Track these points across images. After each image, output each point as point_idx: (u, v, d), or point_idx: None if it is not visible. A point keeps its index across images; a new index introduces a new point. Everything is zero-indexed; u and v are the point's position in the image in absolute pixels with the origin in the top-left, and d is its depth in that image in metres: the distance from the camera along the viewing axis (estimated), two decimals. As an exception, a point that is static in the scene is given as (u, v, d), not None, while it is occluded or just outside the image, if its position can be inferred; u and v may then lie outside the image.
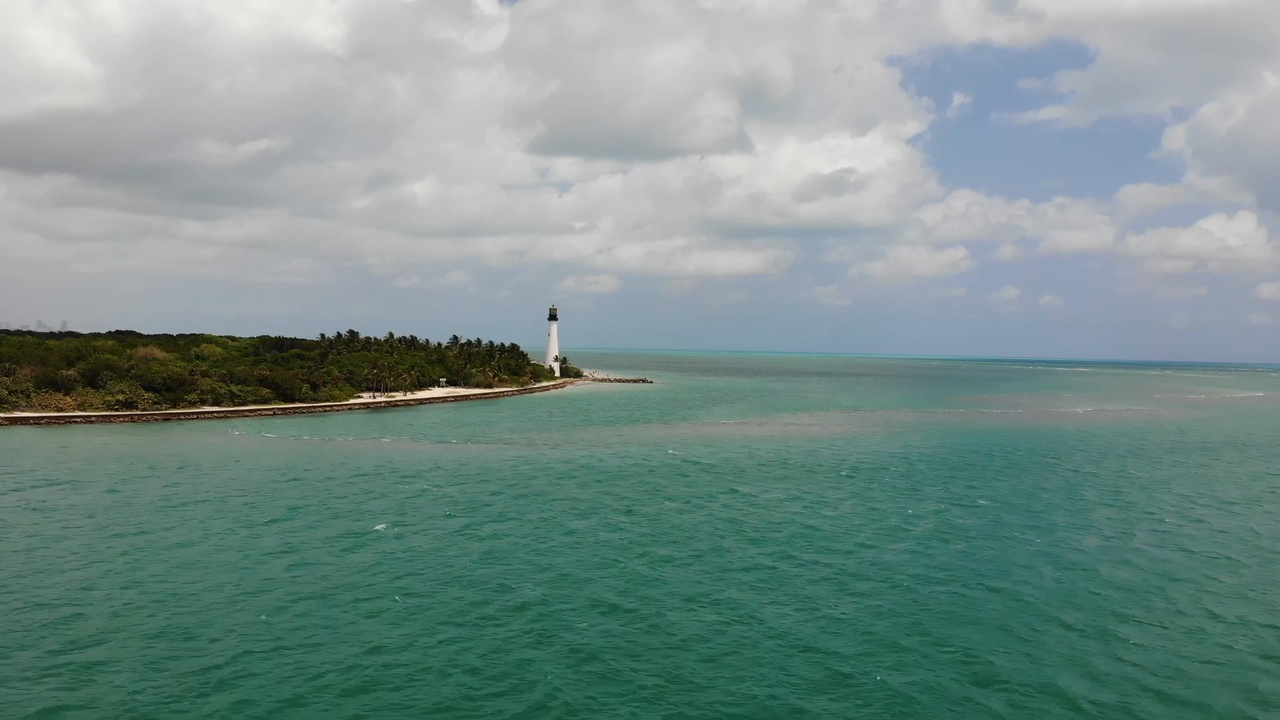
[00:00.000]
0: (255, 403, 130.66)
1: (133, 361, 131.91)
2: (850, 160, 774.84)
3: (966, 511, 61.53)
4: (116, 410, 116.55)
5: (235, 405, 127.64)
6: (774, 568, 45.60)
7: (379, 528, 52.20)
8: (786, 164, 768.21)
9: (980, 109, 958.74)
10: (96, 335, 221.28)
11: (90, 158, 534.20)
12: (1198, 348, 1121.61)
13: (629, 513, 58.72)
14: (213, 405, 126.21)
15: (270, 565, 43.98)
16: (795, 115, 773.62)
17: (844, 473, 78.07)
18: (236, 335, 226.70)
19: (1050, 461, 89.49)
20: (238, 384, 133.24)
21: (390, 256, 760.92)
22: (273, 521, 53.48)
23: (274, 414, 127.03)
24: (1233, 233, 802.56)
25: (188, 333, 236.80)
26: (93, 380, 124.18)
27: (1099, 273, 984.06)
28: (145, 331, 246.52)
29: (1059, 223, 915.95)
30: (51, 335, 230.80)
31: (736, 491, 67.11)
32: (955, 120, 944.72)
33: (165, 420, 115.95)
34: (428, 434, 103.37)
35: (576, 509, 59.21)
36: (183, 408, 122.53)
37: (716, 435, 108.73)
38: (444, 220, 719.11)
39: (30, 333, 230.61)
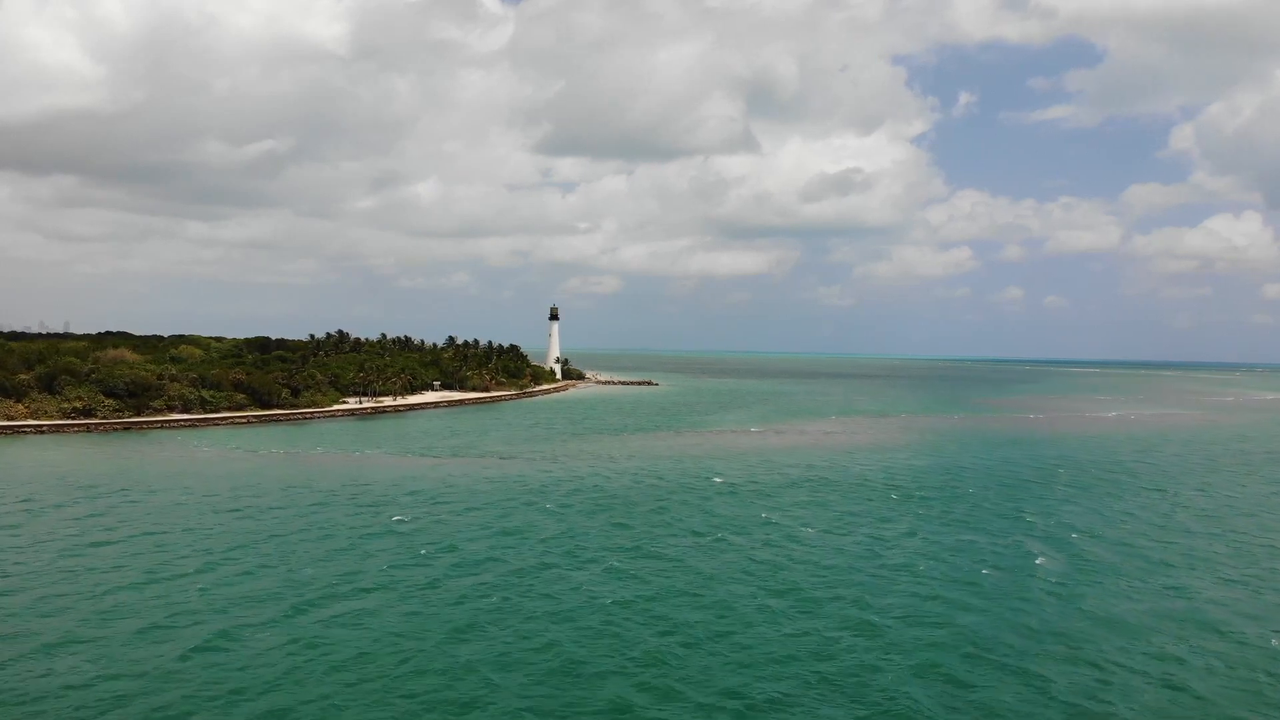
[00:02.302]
0: (229, 409, 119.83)
1: (93, 364, 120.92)
2: (855, 160, 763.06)
3: (1057, 550, 50.37)
4: (73, 419, 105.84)
5: (206, 412, 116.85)
6: (840, 648, 34.62)
7: (316, 587, 40.73)
8: (791, 164, 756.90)
9: (986, 108, 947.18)
10: (88, 336, 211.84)
11: (93, 158, 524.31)
12: (1200, 348, 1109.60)
13: (643, 555, 47.71)
14: (181, 412, 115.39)
15: (145, 643, 32.96)
16: (801, 115, 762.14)
17: (891, 495, 67.13)
18: (238, 336, 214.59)
19: (1126, 478, 78.25)
20: (210, 389, 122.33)
21: (393, 257, 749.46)
22: (180, 576, 42.03)
23: (248, 422, 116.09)
24: (1239, 232, 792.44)
25: (186, 334, 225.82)
26: (50, 385, 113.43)
27: (1103, 273, 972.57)
28: (140, 333, 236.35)
29: (1065, 223, 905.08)
30: (49, 336, 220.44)
31: (772, 523, 56.04)
32: (961, 119, 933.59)
33: (125, 430, 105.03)
34: (413, 446, 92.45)
35: (576, 551, 48.04)
36: (147, 415, 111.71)
37: (734, 446, 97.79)
38: (447, 220, 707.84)
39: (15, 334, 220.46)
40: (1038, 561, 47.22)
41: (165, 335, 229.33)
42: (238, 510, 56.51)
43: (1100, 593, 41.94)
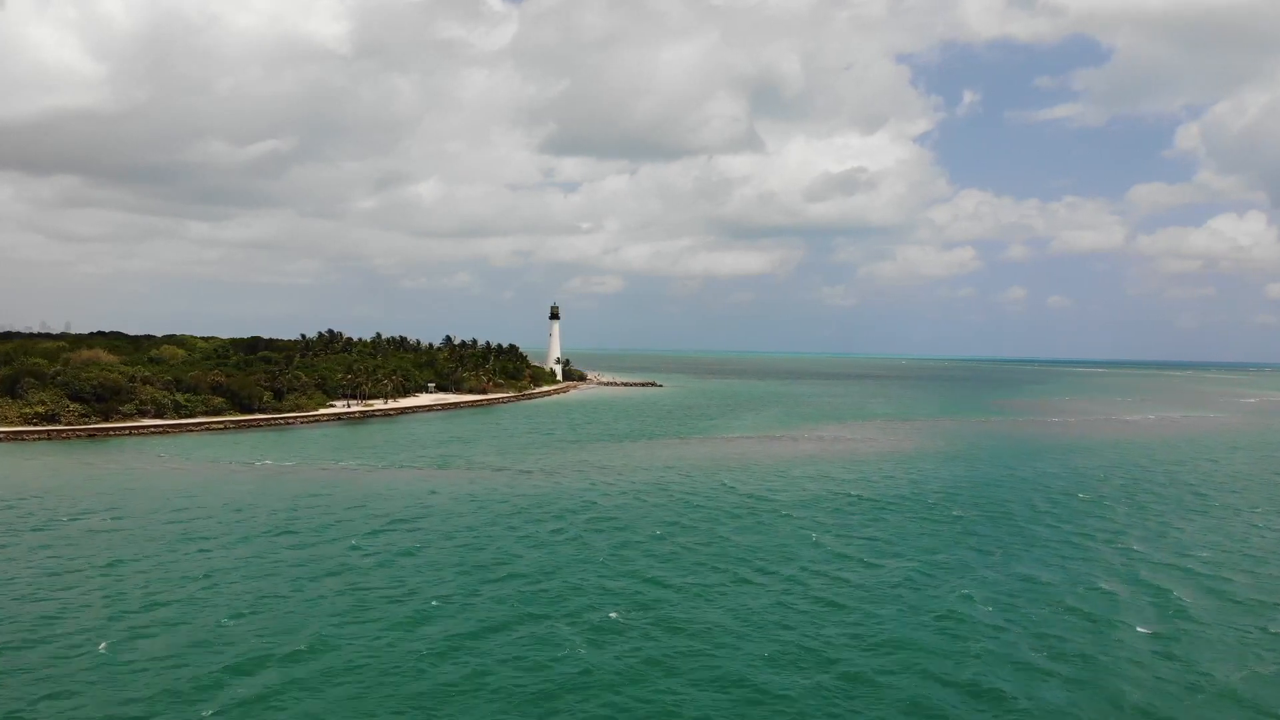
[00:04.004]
0: (205, 414, 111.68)
1: (62, 366, 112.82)
2: (859, 159, 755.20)
3: (1167, 588, 42.02)
4: (34, 424, 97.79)
5: (180, 417, 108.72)
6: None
7: (244, 652, 32.28)
8: (796, 163, 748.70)
9: (990, 107, 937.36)
10: (79, 335, 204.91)
11: (96, 158, 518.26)
12: (1204, 348, 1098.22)
13: (655, 602, 39.52)
14: (154, 417, 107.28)
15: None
16: (805, 114, 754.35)
17: (936, 515, 58.90)
18: (238, 337, 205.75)
19: (1205, 494, 69.59)
20: (186, 392, 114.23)
21: (395, 257, 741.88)
22: (81, 633, 34.03)
23: (224, 428, 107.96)
24: (1243, 232, 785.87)
25: (181, 334, 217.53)
26: (12, 388, 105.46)
27: (1107, 273, 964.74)
28: (137, 333, 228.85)
29: (1069, 222, 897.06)
30: (37, 336, 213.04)
31: (808, 554, 47.74)
32: (965, 118, 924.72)
33: (90, 437, 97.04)
34: (397, 455, 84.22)
35: (572, 596, 39.55)
36: (116, 421, 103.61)
37: (751, 455, 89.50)
38: (450, 221, 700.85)
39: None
40: (1145, 608, 38.97)
41: (158, 335, 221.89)
42: (179, 539, 48.26)
43: (1241, 652, 33.75)
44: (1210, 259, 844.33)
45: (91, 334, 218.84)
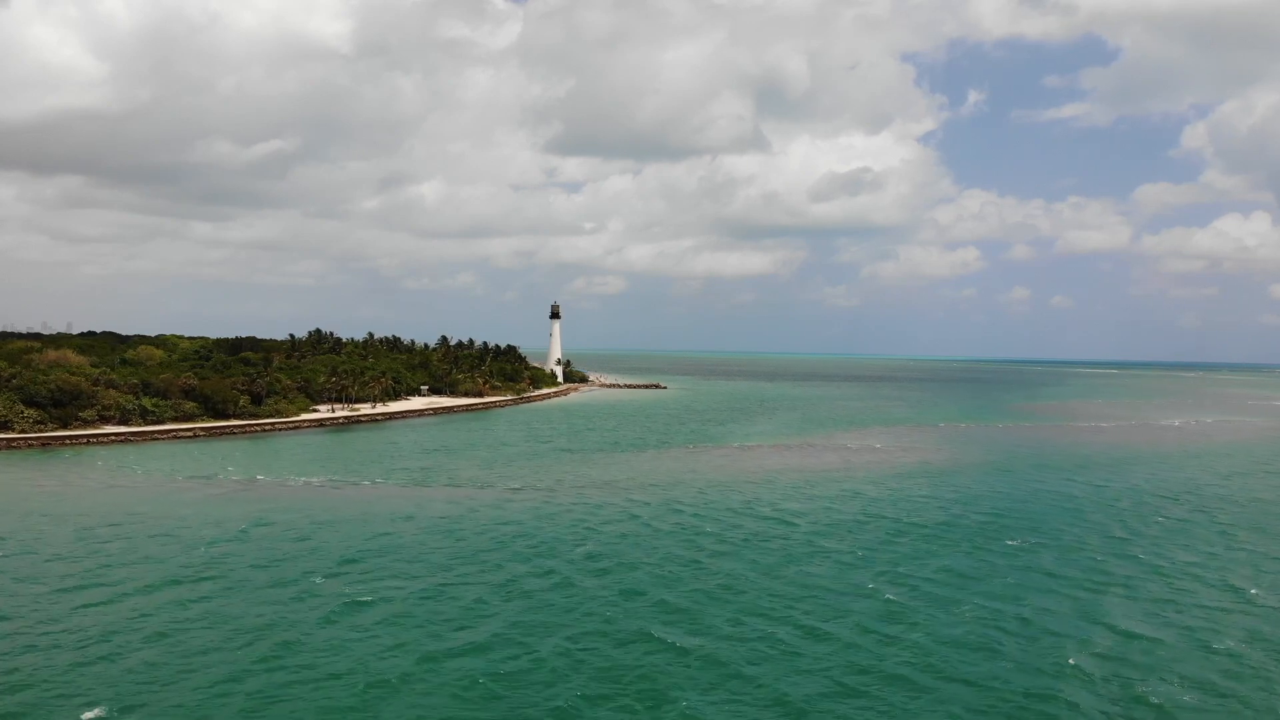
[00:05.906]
0: (175, 420, 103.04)
1: (18, 368, 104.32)
2: (864, 159, 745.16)
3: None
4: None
5: (148, 424, 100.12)
6: None
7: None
8: (800, 163, 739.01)
9: (996, 106, 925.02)
10: (66, 335, 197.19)
11: (100, 158, 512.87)
12: (1207, 349, 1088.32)
13: (682, 684, 30.87)
14: (118, 424, 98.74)
15: None
16: (810, 113, 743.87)
17: (1000, 542, 50.14)
18: (238, 337, 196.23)
19: None
20: (155, 396, 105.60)
21: (399, 258, 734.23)
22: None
23: (194, 435, 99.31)
24: (1249, 232, 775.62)
25: (178, 335, 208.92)
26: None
27: (1111, 273, 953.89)
28: (127, 333, 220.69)
29: (1074, 223, 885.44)
30: (28, 336, 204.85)
31: (868, 596, 38.90)
32: (970, 118, 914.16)
33: (44, 446, 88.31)
34: (375, 469, 75.38)
35: (590, 687, 31.10)
36: (76, 428, 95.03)
37: (775, 468, 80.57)
38: (453, 221, 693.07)
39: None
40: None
41: (151, 336, 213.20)
42: (74, 584, 39.24)
43: None
44: (1215, 259, 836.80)
45: (79, 334, 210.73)
